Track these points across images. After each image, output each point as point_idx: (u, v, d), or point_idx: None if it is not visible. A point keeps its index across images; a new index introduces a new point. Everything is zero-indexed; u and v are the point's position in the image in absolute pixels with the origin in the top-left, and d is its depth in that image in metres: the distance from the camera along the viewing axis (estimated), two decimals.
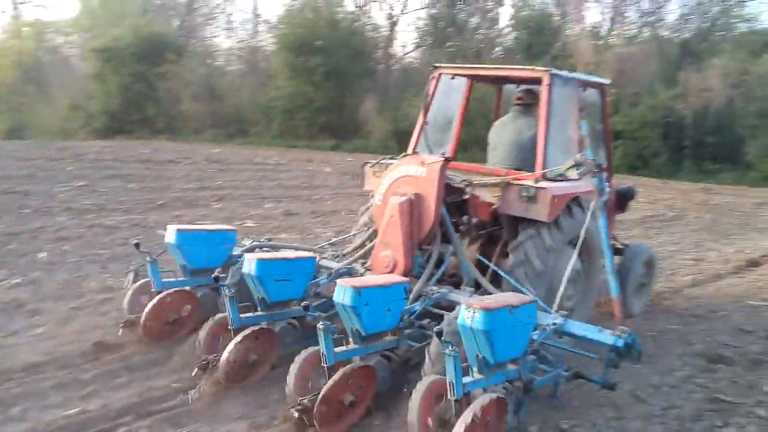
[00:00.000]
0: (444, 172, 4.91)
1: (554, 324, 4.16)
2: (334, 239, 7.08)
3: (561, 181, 5.16)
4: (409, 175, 4.96)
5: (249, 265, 4.47)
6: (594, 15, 31.83)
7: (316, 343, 3.96)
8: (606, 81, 6.58)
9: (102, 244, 8.52)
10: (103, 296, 6.28)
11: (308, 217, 11.43)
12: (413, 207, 4.80)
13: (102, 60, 32.91)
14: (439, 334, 3.47)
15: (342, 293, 3.90)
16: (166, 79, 33.50)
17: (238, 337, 4.29)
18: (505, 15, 35.11)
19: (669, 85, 25.10)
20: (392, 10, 37.89)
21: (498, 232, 5.42)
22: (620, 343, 3.96)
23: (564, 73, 5.64)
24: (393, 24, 37.92)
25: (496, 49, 34.53)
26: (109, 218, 10.17)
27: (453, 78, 6.24)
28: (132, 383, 4.48)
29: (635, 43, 28.05)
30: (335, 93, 35.12)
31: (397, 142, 32.67)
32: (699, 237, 11.55)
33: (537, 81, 5.46)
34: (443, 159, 4.95)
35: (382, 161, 5.88)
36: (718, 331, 5.96)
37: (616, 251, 6.24)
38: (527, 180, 5.04)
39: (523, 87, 6.12)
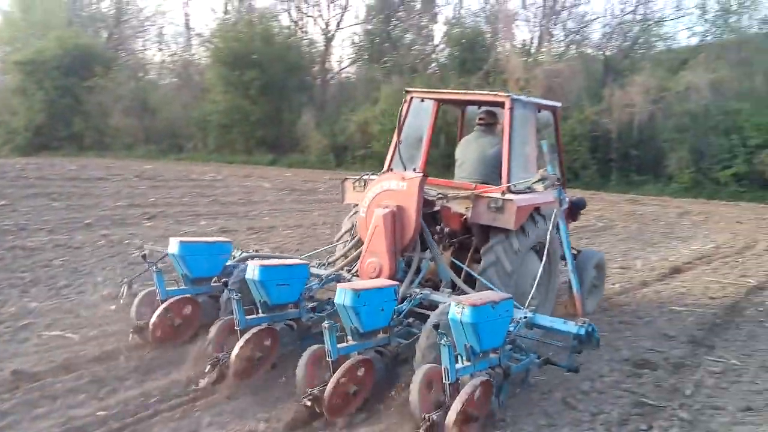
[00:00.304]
0: (423, 186, 5.42)
1: (525, 317, 4.63)
2: (318, 249, 7.60)
3: (523, 193, 5.76)
4: (391, 189, 5.44)
5: (253, 270, 4.78)
6: (523, 33, 32.97)
7: (311, 343, 4.51)
8: (557, 104, 7.23)
9: (23, 266, 8.09)
10: (23, 322, 5.95)
11: (245, 234, 11.22)
12: (395, 218, 5.28)
13: (25, 73, 31.48)
14: (436, 326, 4.01)
15: (343, 295, 4.30)
16: (95, 93, 32.35)
17: (246, 336, 4.60)
18: (439, 32, 35.85)
19: (595, 101, 26.21)
20: (328, 25, 38.05)
21: (468, 240, 5.91)
22: (582, 331, 4.51)
23: (523, 97, 6.23)
24: (329, 39, 38.04)
25: (432, 65, 35.14)
26: (31, 239, 9.67)
27: (422, 101, 6.79)
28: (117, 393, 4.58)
29: (562, 60, 29.13)
30: (272, 107, 34.85)
31: (335, 157, 32.78)
32: (626, 246, 12.04)
33: (499, 104, 6.07)
34: (422, 174, 5.48)
35: (364, 177, 6.35)
36: (644, 336, 6.23)
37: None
38: (494, 193, 5.56)
39: (484, 109, 6.64)
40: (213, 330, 4.87)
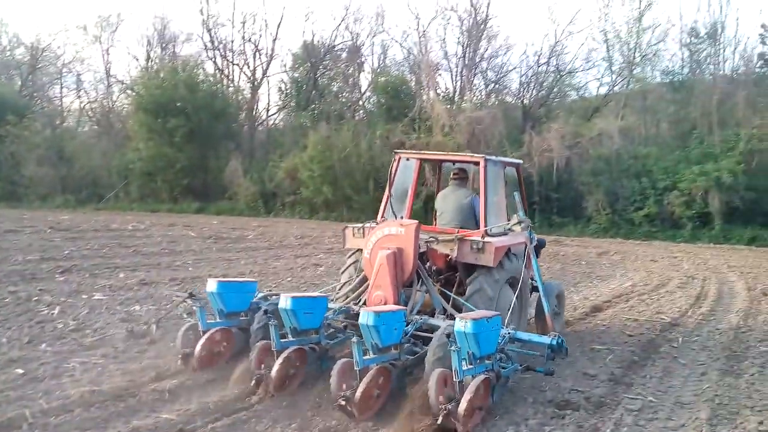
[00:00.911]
0: (418, 231, 6.38)
1: (509, 333, 5.59)
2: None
3: (498, 236, 6.79)
4: (392, 234, 6.39)
5: (285, 301, 5.68)
6: (446, 81, 34.28)
7: (329, 364, 5.52)
8: (519, 161, 8.63)
9: None
10: None
11: (166, 286, 10.79)
12: (396, 258, 6.22)
13: None
14: (449, 335, 5.12)
15: (366, 316, 5.15)
16: (7, 142, 30.86)
17: (283, 355, 5.46)
18: (365, 80, 36.66)
19: (516, 146, 27.28)
20: (254, 73, 38.15)
21: (452, 276, 6.92)
22: (555, 342, 5.54)
23: (494, 157, 7.29)
24: (255, 87, 38.07)
25: (360, 112, 35.73)
26: None
27: (408, 159, 7.72)
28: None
29: (484, 107, 30.30)
30: (198, 154, 34.32)
31: (264, 203, 32.44)
32: None
33: (475, 163, 7.25)
34: (417, 222, 6.47)
35: (362, 225, 7.35)
36: (567, 376, 6.35)
37: (535, 288, 7.52)
38: (475, 236, 6.57)
39: (457, 166, 7.72)
40: (254, 351, 5.68)
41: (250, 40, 37.70)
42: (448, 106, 30.46)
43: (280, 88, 38.79)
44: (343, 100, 36.29)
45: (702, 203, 23.03)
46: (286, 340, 5.68)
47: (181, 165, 33.51)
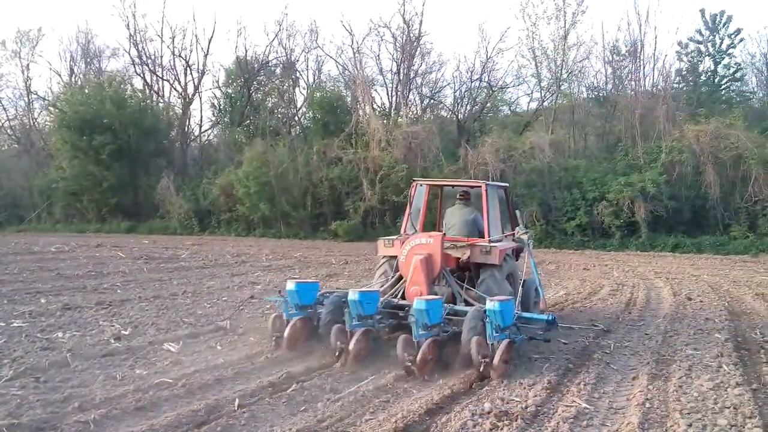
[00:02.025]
0: (443, 241, 8.22)
1: (517, 312, 7.34)
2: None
3: (498, 242, 8.76)
4: (422, 243, 8.22)
5: (354, 295, 7.30)
6: (382, 97, 34.59)
7: (379, 343, 7.64)
8: (507, 184, 10.68)
9: None
10: None
11: (92, 311, 10.24)
12: (427, 261, 8.03)
13: None
14: (485, 311, 6.84)
15: (420, 303, 6.87)
16: None
17: (357, 334, 7.17)
18: (300, 96, 36.48)
19: (452, 160, 27.72)
20: (185, 89, 37.31)
21: (462, 274, 8.72)
22: (550, 318, 7.45)
23: (492, 183, 9.73)
24: (187, 103, 37.22)
25: (296, 127, 35.47)
26: None
27: (421, 185, 9.69)
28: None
29: (420, 122, 30.68)
30: (127, 172, 33.19)
31: (199, 221, 31.63)
32: None
33: (477, 187, 9.22)
34: (442, 234, 8.35)
35: (390, 238, 9.15)
36: (504, 387, 6.34)
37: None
38: (482, 242, 8.54)
39: (462, 189, 9.65)
40: (333, 331, 7.28)
41: (180, 55, 36.96)
42: (385, 121, 30.67)
43: (213, 103, 38.17)
44: (279, 115, 35.97)
45: (629, 213, 24.00)
46: (355, 323, 7.27)
47: (109, 183, 32.33)
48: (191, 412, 5.45)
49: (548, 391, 6.22)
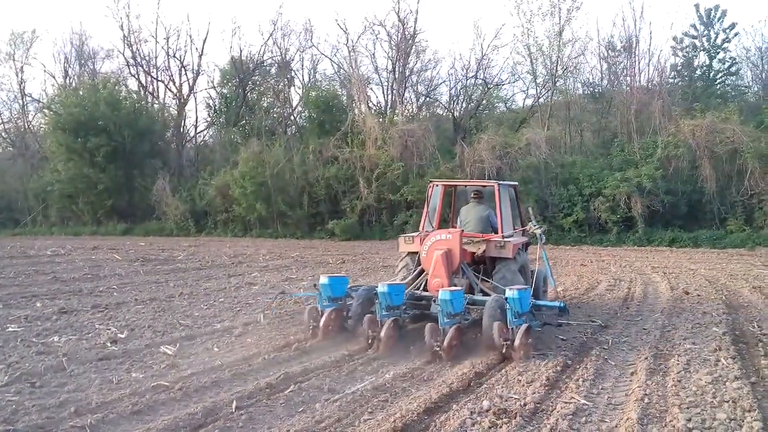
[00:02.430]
0: (462, 237, 8.91)
1: (532, 300, 7.94)
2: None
3: (511, 237, 9.40)
4: (442, 239, 8.84)
5: (383, 287, 7.95)
6: (377, 95, 34.58)
7: (404, 332, 8.44)
8: (515, 183, 11.52)
9: None
10: None
11: (88, 314, 10.19)
12: (447, 256, 8.64)
13: None
14: (506, 299, 7.42)
15: (445, 294, 7.47)
16: None
17: (387, 323, 7.79)
18: (296, 95, 36.39)
19: (448, 158, 27.68)
20: (180, 89, 37.19)
21: (477, 268, 9.35)
22: (562, 305, 8.46)
23: (504, 183, 10.08)
24: (182, 103, 37.11)
25: (291, 127, 35.40)
26: None
27: (437, 186, 10.37)
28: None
29: (415, 120, 30.62)
30: (123, 174, 33.09)
31: (195, 223, 31.54)
32: None
33: (490, 186, 9.91)
34: (460, 230, 9.06)
35: (411, 235, 9.75)
36: (502, 384, 6.34)
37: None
38: (496, 238, 9.18)
39: (475, 188, 10.30)
40: (365, 321, 7.95)
41: (174, 56, 36.81)
42: (381, 120, 30.63)
43: (208, 104, 38.04)
44: (274, 115, 35.89)
45: (625, 208, 24.01)
46: (385, 313, 7.92)
47: (104, 186, 32.23)
48: (188, 415, 5.42)
49: (547, 387, 6.20)
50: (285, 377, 6.54)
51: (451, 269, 8.65)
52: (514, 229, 9.95)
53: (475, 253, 9.29)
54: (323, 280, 8.59)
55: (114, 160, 32.04)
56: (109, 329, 9.00)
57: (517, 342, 7.23)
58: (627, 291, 12.95)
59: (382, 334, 7.69)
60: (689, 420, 5.19)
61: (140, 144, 32.79)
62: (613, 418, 5.46)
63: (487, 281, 9.11)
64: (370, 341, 7.81)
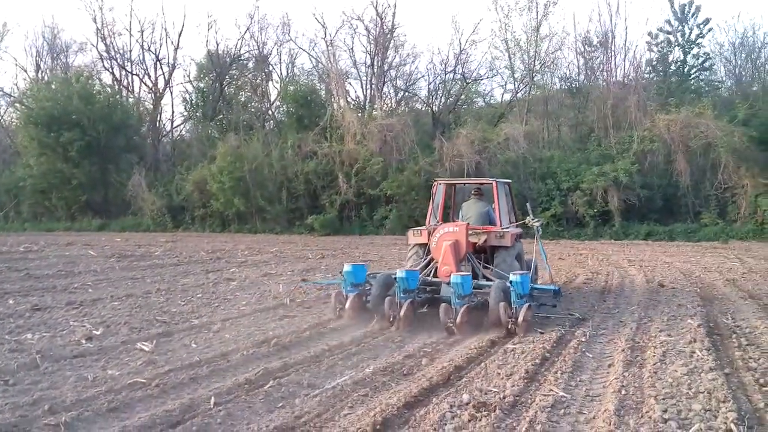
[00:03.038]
0: (468, 230, 9.84)
1: (531, 284, 9.00)
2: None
3: (509, 228, 10.48)
4: (450, 231, 9.79)
5: (402, 273, 8.92)
6: (356, 89, 34.49)
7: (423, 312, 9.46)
8: (509, 180, 12.53)
9: None
10: None
11: (62, 311, 10.01)
12: (455, 246, 9.57)
13: None
14: (511, 282, 8.47)
15: (456, 278, 8.48)
16: None
17: (405, 304, 8.71)
18: (274, 89, 36.12)
19: (427, 152, 27.73)
20: (155, 83, 36.67)
21: (478, 256, 10.27)
22: (557, 288, 9.60)
23: (501, 180, 11.24)
24: (158, 97, 36.61)
25: (270, 121, 35.14)
26: None
27: (440, 184, 11.30)
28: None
29: (395, 115, 30.60)
30: (97, 169, 32.59)
31: (172, 218, 31.19)
32: None
33: (488, 184, 11.04)
34: (466, 224, 9.97)
35: (418, 228, 10.74)
36: (472, 378, 6.41)
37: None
38: (496, 229, 10.18)
39: (476, 186, 11.37)
40: (387, 303, 8.80)
41: (149, 50, 36.33)
42: (359, 114, 30.57)
43: (184, 98, 37.62)
44: (252, 109, 35.60)
45: (602, 202, 24.31)
46: (402, 295, 8.83)
47: (79, 181, 31.73)
48: (165, 412, 5.34)
49: (526, 380, 6.23)
50: (264, 373, 6.49)
51: (458, 258, 9.59)
52: (510, 221, 10.89)
53: (476, 243, 10.26)
54: (347, 268, 9.53)
55: (88, 155, 31.54)
56: (84, 326, 8.84)
57: (520, 319, 8.27)
58: (604, 284, 13.10)
59: (402, 313, 8.69)
60: (665, 411, 5.26)
61: (115, 138, 32.30)
62: (591, 409, 5.51)
63: (488, 268, 10.19)
64: (391, 319, 8.75)
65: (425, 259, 10.31)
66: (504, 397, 5.68)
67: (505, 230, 10.13)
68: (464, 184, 12.46)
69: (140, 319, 9.41)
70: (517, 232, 10.77)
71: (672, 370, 6.46)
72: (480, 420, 5.15)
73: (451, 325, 8.35)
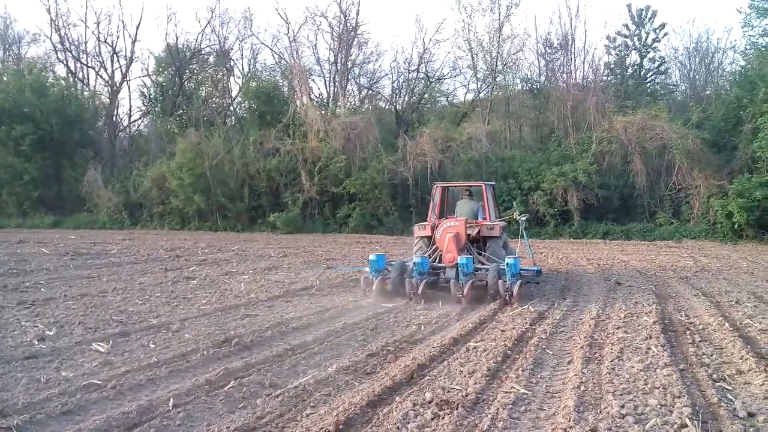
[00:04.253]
0: (466, 224, 11.93)
1: (519, 264, 11.12)
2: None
3: (498, 221, 12.72)
4: (451, 225, 11.85)
5: (417, 259, 11.07)
6: (320, 86, 34.26)
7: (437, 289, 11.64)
8: (494, 183, 15.53)
9: None
10: None
11: (13, 310, 9.66)
12: (457, 237, 11.61)
13: None
14: (507, 264, 10.67)
15: (462, 259, 10.71)
16: None
17: (422, 283, 10.83)
18: (236, 85, 35.59)
19: (391, 151, 27.75)
20: (112, 77, 35.75)
21: (472, 245, 12.16)
22: (538, 269, 11.95)
23: (490, 183, 13.88)
24: (114, 91, 35.69)
25: (231, 117, 34.64)
26: None
27: (438, 187, 13.39)
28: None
29: (358, 113, 30.52)
30: (50, 164, 31.65)
31: (130, 215, 30.49)
32: None
33: (478, 186, 13.41)
34: (465, 219, 12.04)
35: (422, 224, 12.91)
36: (444, 375, 6.43)
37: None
38: (486, 222, 12.35)
39: (466, 187, 13.57)
40: (407, 284, 10.93)
41: (106, 42, 35.41)
42: (323, 112, 30.39)
43: (142, 92, 36.80)
44: (213, 105, 35.05)
45: (562, 202, 24.74)
46: (418, 277, 10.94)
47: (31, 176, 30.77)
48: (122, 414, 5.20)
49: (487, 378, 6.29)
50: (225, 373, 6.38)
51: (459, 246, 11.66)
52: (496, 216, 13.16)
53: (470, 234, 12.16)
54: (372, 257, 11.60)
55: (41, 150, 30.58)
56: (36, 326, 8.56)
57: (515, 292, 10.54)
58: (564, 282, 13.33)
59: (419, 291, 10.85)
60: (623, 406, 5.37)
61: (69, 133, 31.40)
62: (551, 406, 5.59)
63: (481, 254, 12.14)
64: (411, 296, 10.87)
65: (431, 249, 12.35)
66: (466, 395, 5.71)
67: (494, 223, 12.39)
68: (457, 186, 14.64)
69: (95, 319, 9.15)
70: (502, 224, 12.80)
71: (629, 366, 6.60)
72: (443, 418, 5.17)
73: (460, 296, 10.56)
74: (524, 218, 13.06)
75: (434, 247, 12.26)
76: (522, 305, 10.24)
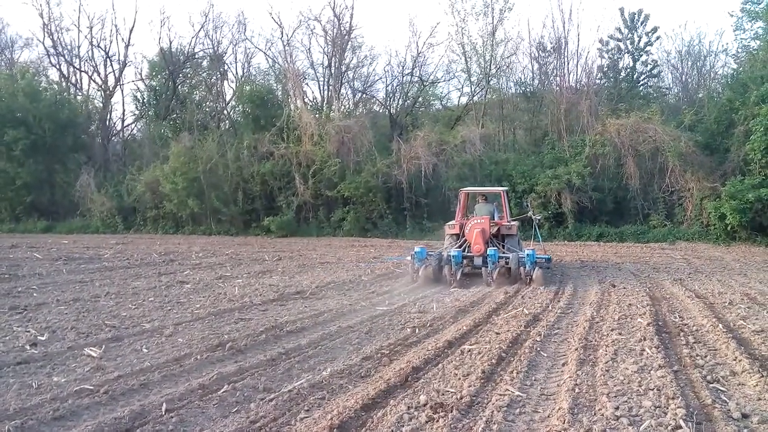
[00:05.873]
0: (489, 222, 14.41)
1: (535, 254, 13.91)
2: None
3: (513, 221, 15.53)
4: (478, 223, 14.24)
5: (454, 252, 13.82)
6: (314, 90, 34.23)
7: (472, 275, 14.39)
8: (507, 188, 19.36)
9: None
10: None
11: (5, 315, 9.60)
12: (483, 232, 14.03)
13: None
14: (526, 254, 13.64)
15: (491, 251, 13.59)
16: None
17: (459, 271, 13.60)
18: (229, 89, 35.53)
19: (385, 154, 27.74)
20: (105, 81, 35.64)
21: (493, 239, 14.62)
22: (549, 257, 14.71)
23: (506, 188, 18.47)
24: (108, 95, 35.59)
25: (225, 121, 34.59)
26: None
27: (462, 192, 16.18)
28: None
29: (352, 116, 30.51)
30: (43, 168, 31.51)
31: (123, 220, 30.38)
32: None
33: (498, 192, 16.43)
34: (488, 217, 14.46)
35: (451, 223, 15.50)
36: (439, 379, 6.42)
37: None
38: (504, 222, 15.03)
39: (483, 192, 16.19)
40: (446, 270, 13.47)
41: (99, 46, 35.33)
42: (317, 115, 30.37)
43: (136, 96, 36.68)
44: (207, 109, 34.98)
45: (556, 204, 24.78)
46: (456, 266, 13.42)
47: (23, 181, 30.65)
48: (114, 419, 5.16)
49: (482, 380, 6.27)
50: (219, 377, 6.35)
51: (485, 240, 13.98)
52: (512, 217, 16.10)
53: (491, 231, 14.60)
54: (417, 249, 14.05)
55: (33, 154, 30.45)
56: (29, 331, 8.50)
57: (534, 276, 13.00)
58: (558, 285, 13.35)
59: (457, 276, 13.35)
60: (617, 408, 5.37)
61: (62, 137, 31.29)
62: (546, 408, 5.58)
63: (501, 247, 14.41)
64: (451, 281, 13.17)
65: (460, 243, 14.72)
66: (461, 398, 5.70)
67: (512, 224, 15.08)
68: (478, 192, 16.75)
69: (88, 323, 9.10)
70: (517, 224, 15.54)
71: (623, 368, 6.61)
72: (437, 421, 5.15)
73: (490, 279, 13.08)
74: (538, 217, 15.96)
75: (463, 240, 14.65)
76: (539, 287, 12.73)
